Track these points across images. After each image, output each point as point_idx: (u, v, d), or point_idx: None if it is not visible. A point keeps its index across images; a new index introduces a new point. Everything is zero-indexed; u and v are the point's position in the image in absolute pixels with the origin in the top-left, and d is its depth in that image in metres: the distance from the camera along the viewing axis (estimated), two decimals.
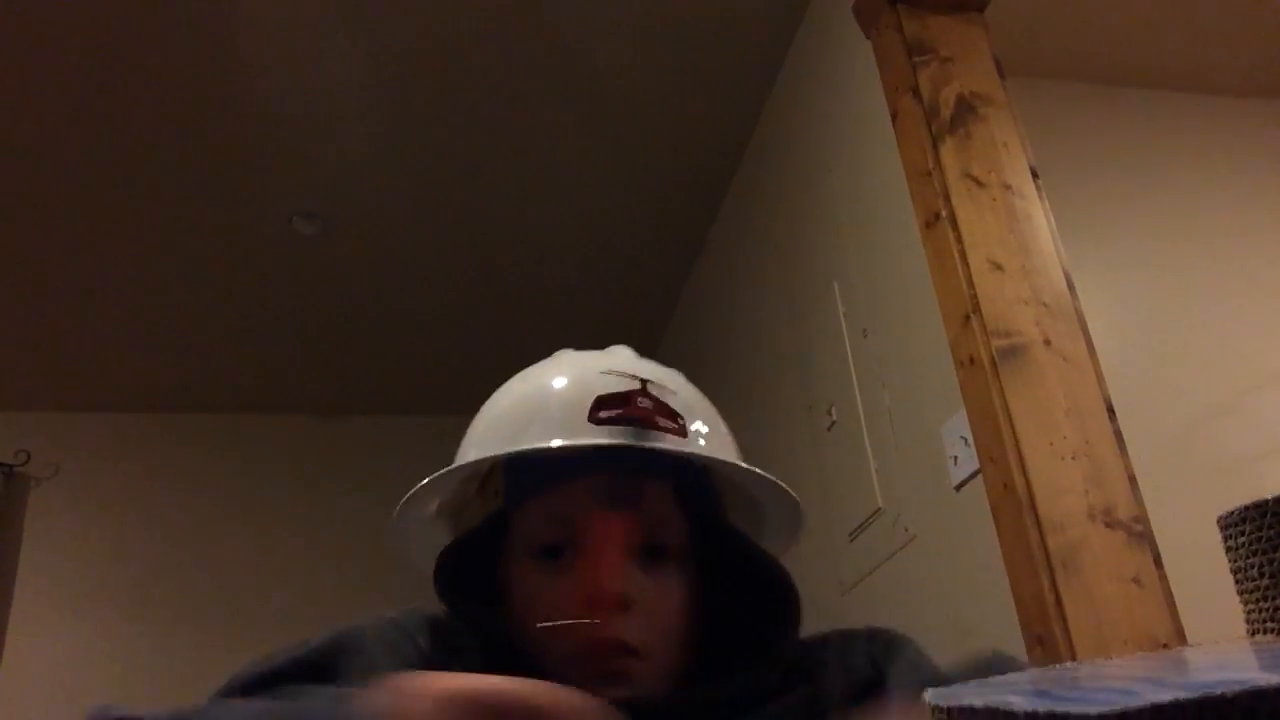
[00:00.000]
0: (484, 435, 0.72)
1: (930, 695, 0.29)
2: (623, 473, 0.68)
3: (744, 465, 0.71)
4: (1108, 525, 1.42)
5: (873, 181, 1.99)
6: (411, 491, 0.71)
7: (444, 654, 0.66)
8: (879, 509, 1.95)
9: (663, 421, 0.69)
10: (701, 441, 0.71)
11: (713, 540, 0.71)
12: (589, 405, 0.68)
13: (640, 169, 2.75)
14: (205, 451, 3.65)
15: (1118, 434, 1.53)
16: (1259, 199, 2.61)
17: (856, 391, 2.04)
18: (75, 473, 3.49)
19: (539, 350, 0.80)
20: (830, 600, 2.17)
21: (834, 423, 2.14)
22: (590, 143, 2.64)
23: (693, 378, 0.77)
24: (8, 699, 3.14)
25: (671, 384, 0.73)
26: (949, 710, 0.27)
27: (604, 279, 3.24)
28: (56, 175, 2.53)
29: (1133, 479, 1.50)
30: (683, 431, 0.70)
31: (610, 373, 0.70)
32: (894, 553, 1.89)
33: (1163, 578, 1.41)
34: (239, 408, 3.73)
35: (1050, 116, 2.43)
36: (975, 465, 1.58)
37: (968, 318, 1.59)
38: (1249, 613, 0.32)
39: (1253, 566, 0.31)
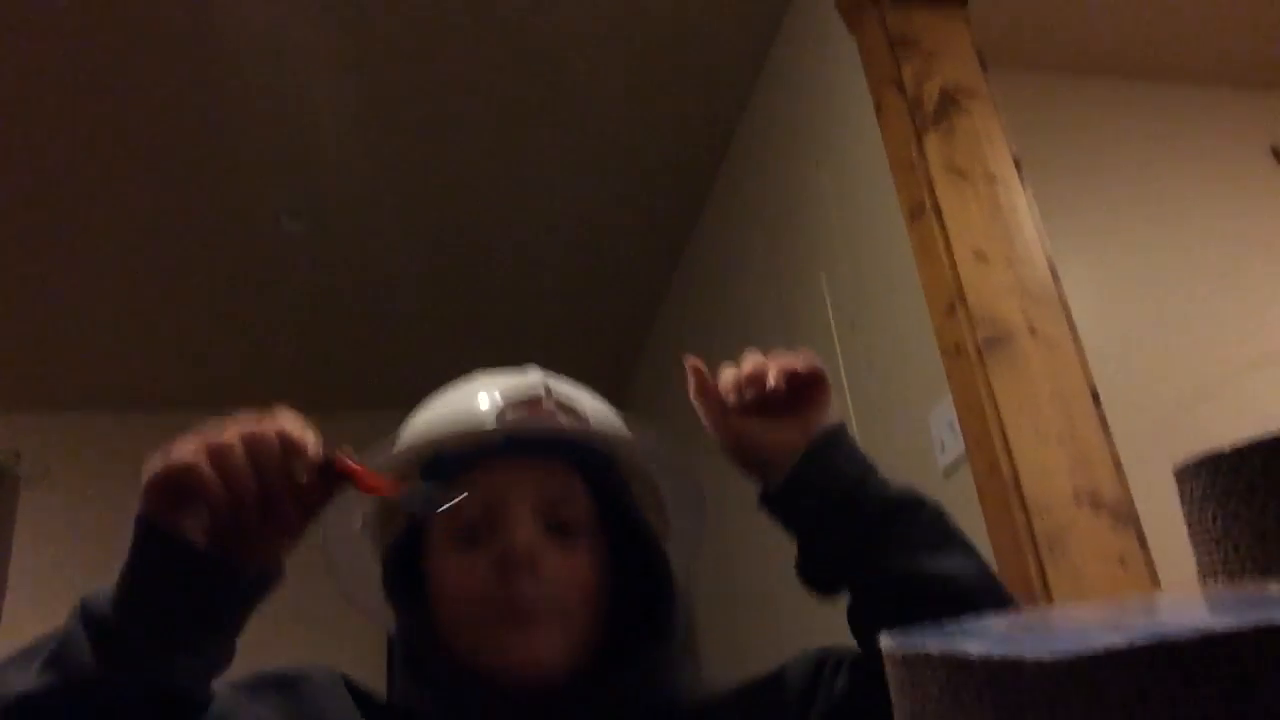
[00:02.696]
0: (406, 443, 0.80)
1: (886, 643, 0.29)
2: (529, 457, 0.76)
3: (636, 437, 0.79)
4: (1093, 507, 1.45)
5: (858, 174, 2.01)
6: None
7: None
8: None
9: (564, 419, 0.78)
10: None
11: (613, 521, 0.78)
12: (499, 410, 0.77)
13: (626, 163, 2.76)
14: None
15: (1102, 419, 1.55)
16: (1242, 187, 2.64)
17: (844, 382, 2.06)
18: (66, 473, 3.48)
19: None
20: None
21: None
22: (574, 136, 2.64)
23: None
24: None
25: (576, 394, 0.81)
26: (904, 658, 0.28)
27: (590, 273, 3.25)
28: (43, 175, 2.52)
29: (1117, 463, 1.52)
30: (585, 424, 0.79)
31: (519, 386, 0.79)
32: None
33: (1148, 559, 1.44)
34: (230, 405, 3.70)
35: (1032, 108, 2.45)
36: (961, 449, 1.60)
37: (953, 307, 1.61)
38: (1200, 560, 0.33)
39: (1206, 513, 0.33)
